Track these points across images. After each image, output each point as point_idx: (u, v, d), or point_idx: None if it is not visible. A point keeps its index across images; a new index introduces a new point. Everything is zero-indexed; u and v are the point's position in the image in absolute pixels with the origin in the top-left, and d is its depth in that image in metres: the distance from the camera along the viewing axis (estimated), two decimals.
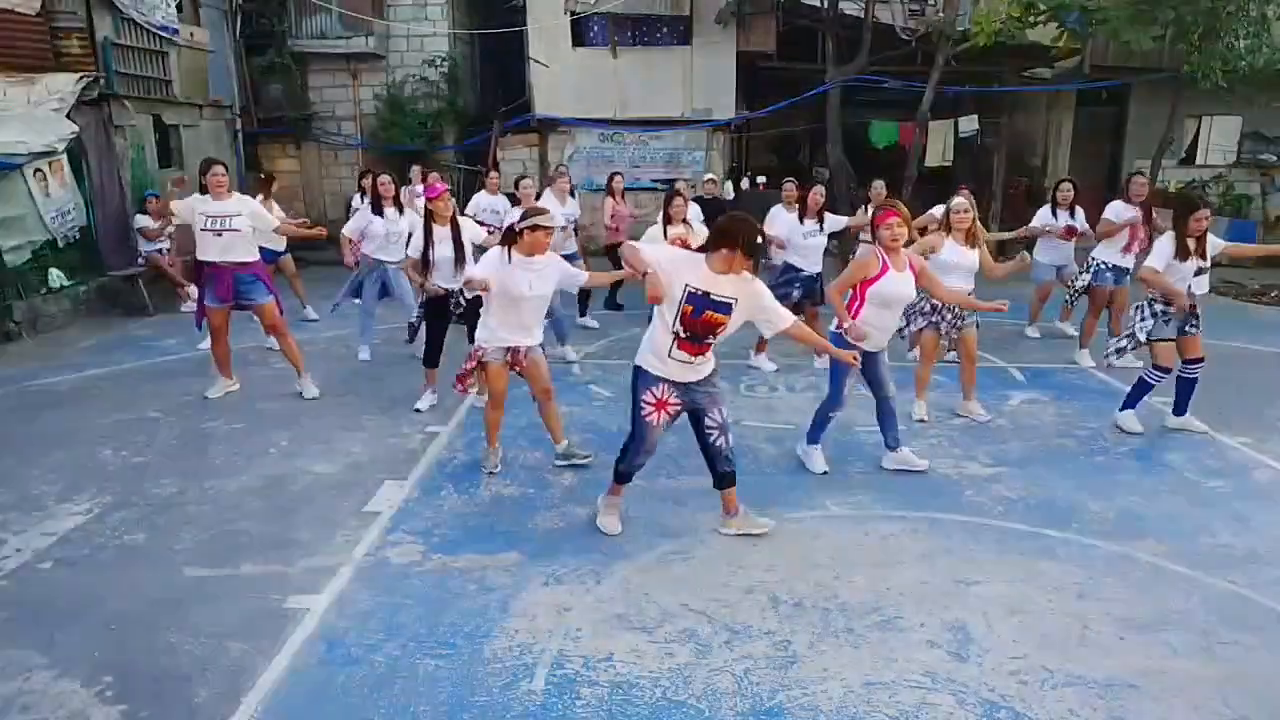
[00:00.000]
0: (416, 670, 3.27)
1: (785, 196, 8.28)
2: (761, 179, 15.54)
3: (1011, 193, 15.46)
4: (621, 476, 4.37)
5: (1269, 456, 5.48)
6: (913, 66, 14.39)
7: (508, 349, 4.98)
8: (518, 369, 5.05)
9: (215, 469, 5.25)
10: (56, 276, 9.38)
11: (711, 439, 4.20)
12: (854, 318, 4.90)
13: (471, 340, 6.16)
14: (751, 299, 3.99)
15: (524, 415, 6.19)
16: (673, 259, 3.99)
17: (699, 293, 3.88)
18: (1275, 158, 14.98)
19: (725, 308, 3.91)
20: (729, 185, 13.53)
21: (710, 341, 4.02)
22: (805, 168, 17.60)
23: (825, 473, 5.15)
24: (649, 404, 4.10)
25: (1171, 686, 3.17)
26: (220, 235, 6.20)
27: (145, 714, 3.03)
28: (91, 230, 10.00)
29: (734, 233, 3.84)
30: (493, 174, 10.02)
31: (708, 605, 3.72)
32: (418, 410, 6.28)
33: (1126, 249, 7.44)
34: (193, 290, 10.38)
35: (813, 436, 5.27)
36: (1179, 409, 5.93)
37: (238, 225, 6.22)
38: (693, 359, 4.03)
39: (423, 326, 6.28)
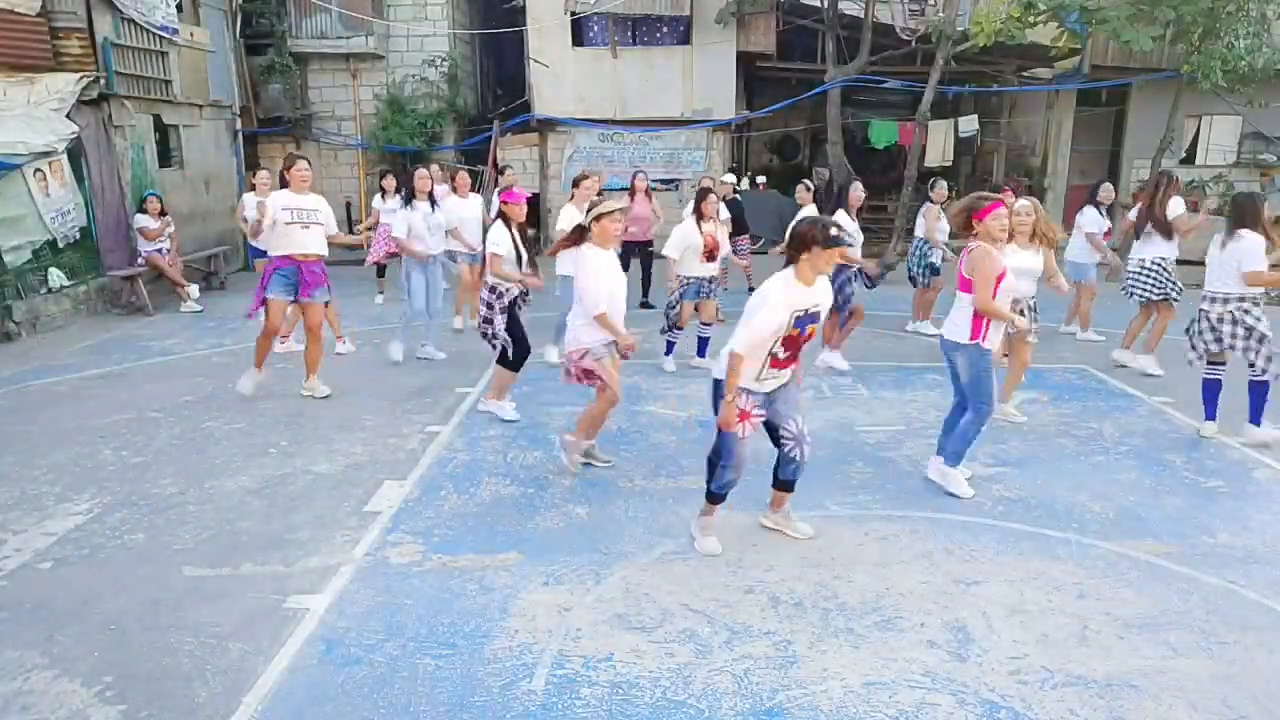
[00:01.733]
0: (416, 670, 3.27)
1: (799, 199, 8.25)
2: (761, 179, 15.56)
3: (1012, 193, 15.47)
4: (713, 497, 4.19)
5: (1268, 456, 5.48)
6: (913, 66, 14.42)
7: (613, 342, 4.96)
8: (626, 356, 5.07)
9: (215, 469, 5.25)
10: (56, 276, 9.39)
11: (787, 449, 4.16)
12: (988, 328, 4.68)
13: (504, 356, 6.11)
14: (827, 300, 4.01)
15: (524, 415, 6.20)
16: (781, 302, 3.83)
17: (805, 313, 3.90)
18: (1275, 158, 14.99)
19: (817, 316, 3.97)
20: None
21: (801, 350, 4.03)
22: (805, 168, 17.63)
23: (973, 496, 4.84)
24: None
25: (1171, 686, 3.17)
26: (307, 228, 6.31)
27: (145, 714, 3.03)
28: (91, 230, 10.01)
29: (810, 234, 3.81)
30: (509, 171, 10.08)
31: (708, 605, 3.72)
32: (507, 421, 6.13)
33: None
34: (193, 290, 10.44)
35: (953, 456, 4.91)
36: (1255, 416, 5.67)
37: (321, 219, 6.36)
38: (785, 371, 4.02)
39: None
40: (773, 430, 4.18)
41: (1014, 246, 5.74)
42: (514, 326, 6.03)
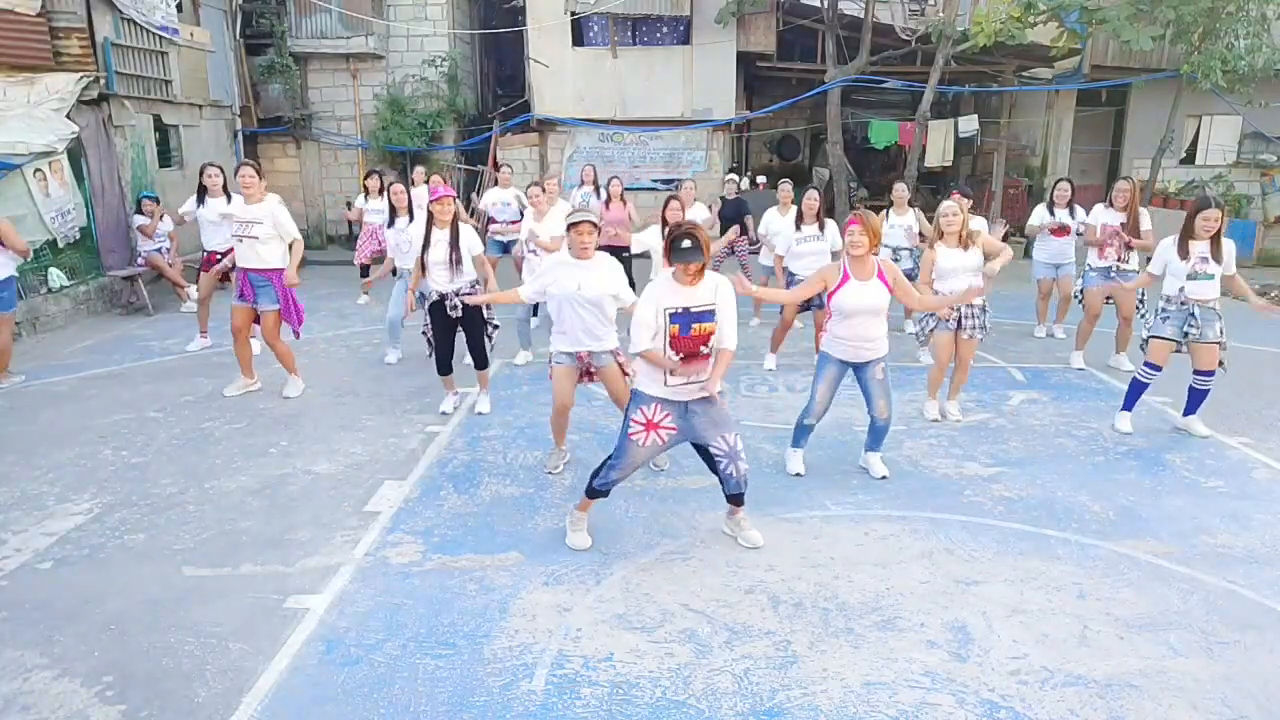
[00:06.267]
0: (417, 670, 3.27)
1: (781, 198, 8.24)
2: (762, 179, 15.55)
3: (1011, 193, 15.47)
4: (593, 492, 4.20)
5: (1268, 456, 5.48)
6: (913, 66, 14.41)
7: (573, 354, 4.91)
8: (588, 375, 4.99)
9: (215, 469, 5.25)
10: (56, 276, 9.39)
11: (721, 466, 4.10)
12: (823, 331, 5.04)
13: (474, 354, 6.15)
14: (724, 305, 3.92)
15: (524, 415, 6.21)
16: (648, 297, 3.92)
17: (678, 310, 3.83)
18: (1275, 158, 14.99)
19: (709, 315, 3.86)
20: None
21: (706, 353, 3.91)
22: (805, 168, 17.63)
23: (799, 474, 5.14)
24: (638, 423, 4.00)
25: (1171, 686, 3.18)
26: (242, 241, 6.27)
27: (145, 714, 3.03)
28: (91, 230, 10.01)
29: (665, 243, 3.83)
30: (504, 169, 10.02)
31: (708, 605, 3.72)
32: (443, 413, 6.25)
33: (1100, 253, 7.31)
34: (192, 290, 10.42)
35: (794, 440, 5.26)
36: (1187, 410, 5.94)
37: (256, 233, 6.24)
38: (691, 375, 3.92)
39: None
40: (703, 452, 4.16)
41: (945, 247, 5.85)
42: (440, 329, 6.06)
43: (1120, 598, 3.80)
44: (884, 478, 5.09)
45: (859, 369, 4.94)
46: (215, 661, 3.32)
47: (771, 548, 4.24)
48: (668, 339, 3.85)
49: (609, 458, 4.17)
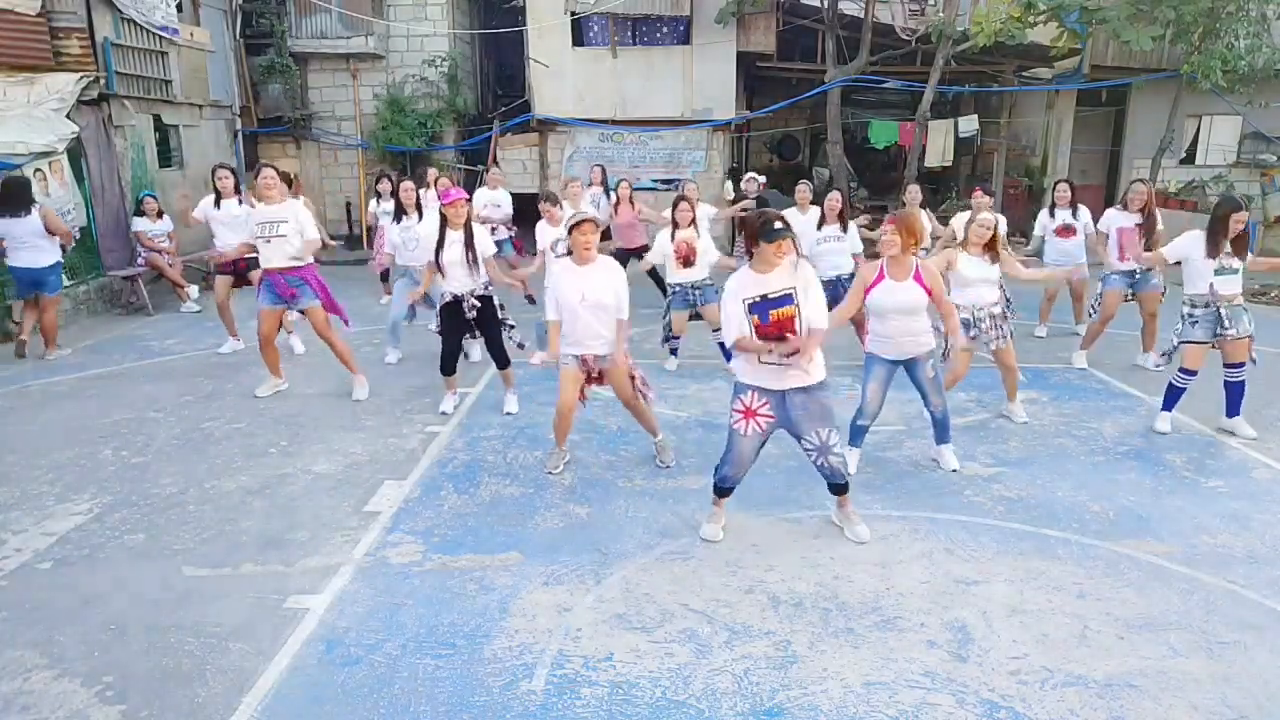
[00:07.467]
0: (416, 670, 3.27)
1: (798, 199, 8.18)
2: (762, 179, 15.55)
3: (1011, 193, 15.47)
4: (718, 490, 4.33)
5: (1268, 456, 5.48)
6: (913, 66, 14.41)
7: (578, 357, 4.96)
8: (594, 379, 5.04)
9: (215, 469, 5.25)
10: None
11: (813, 459, 4.15)
12: (865, 330, 5.06)
13: (495, 354, 6.18)
14: (805, 286, 3.94)
15: (524, 415, 6.21)
16: (732, 292, 3.98)
17: (756, 300, 3.89)
18: (1275, 158, 14.99)
19: (787, 299, 3.90)
20: (728, 185, 13.54)
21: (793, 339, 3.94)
22: (805, 168, 17.64)
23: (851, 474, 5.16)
24: (738, 411, 4.09)
25: (1171, 686, 3.17)
26: (269, 242, 6.25)
27: (145, 714, 3.03)
28: (91, 230, 10.01)
29: (747, 228, 3.93)
30: (494, 169, 10.01)
31: (708, 605, 3.72)
32: (443, 413, 6.25)
33: (1121, 256, 7.24)
34: (193, 290, 10.44)
35: (850, 439, 5.25)
36: (1230, 411, 5.89)
37: (284, 231, 6.23)
38: (785, 358, 3.94)
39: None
40: (798, 442, 4.21)
41: (968, 256, 5.73)
42: (450, 329, 6.05)
43: (1120, 598, 3.79)
44: (955, 470, 5.16)
45: (910, 367, 4.97)
46: (215, 661, 3.32)
47: (771, 548, 4.24)
48: (752, 330, 3.92)
49: (723, 454, 4.24)
